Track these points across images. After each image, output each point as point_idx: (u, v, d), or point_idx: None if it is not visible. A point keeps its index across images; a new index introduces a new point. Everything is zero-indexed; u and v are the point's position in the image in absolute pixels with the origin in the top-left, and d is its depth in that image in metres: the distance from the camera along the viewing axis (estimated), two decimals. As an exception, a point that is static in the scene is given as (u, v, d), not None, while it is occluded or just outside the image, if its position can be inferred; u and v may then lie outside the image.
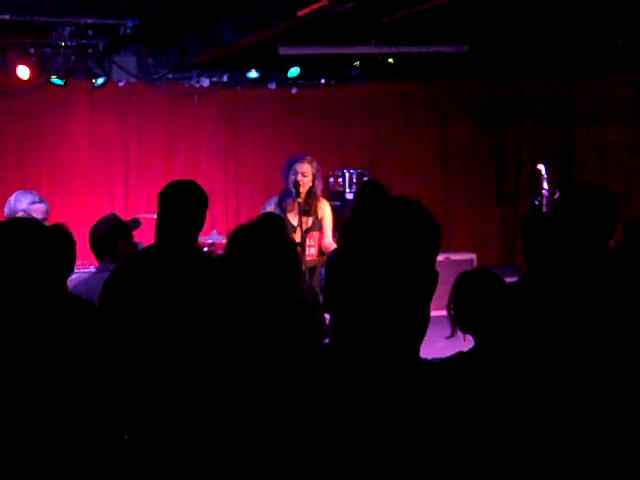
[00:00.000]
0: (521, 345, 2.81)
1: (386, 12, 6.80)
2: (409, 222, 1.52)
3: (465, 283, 2.87)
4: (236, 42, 7.19)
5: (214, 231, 7.14)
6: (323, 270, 5.64)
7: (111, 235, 4.25)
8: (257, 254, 2.08)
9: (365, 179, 8.25)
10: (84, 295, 3.66)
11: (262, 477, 1.56)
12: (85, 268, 6.39)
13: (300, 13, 6.08)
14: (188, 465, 1.86)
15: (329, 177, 8.38)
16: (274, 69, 8.82)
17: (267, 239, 2.13)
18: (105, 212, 5.02)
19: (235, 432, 1.71)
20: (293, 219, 5.76)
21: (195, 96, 8.87)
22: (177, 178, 3.55)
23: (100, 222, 4.36)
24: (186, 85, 8.92)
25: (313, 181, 5.85)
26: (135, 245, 4.49)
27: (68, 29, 7.46)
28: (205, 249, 6.80)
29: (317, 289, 5.57)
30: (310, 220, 5.87)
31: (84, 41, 7.64)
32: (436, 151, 9.45)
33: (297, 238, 5.55)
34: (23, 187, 5.07)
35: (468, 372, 1.58)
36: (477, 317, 2.80)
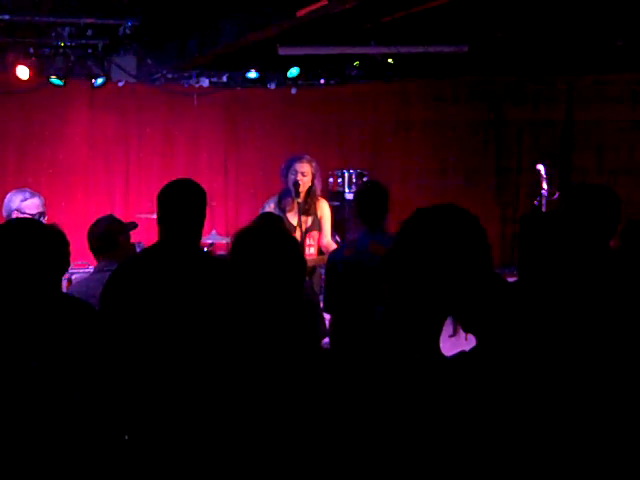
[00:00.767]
0: (523, 344, 2.81)
1: (386, 12, 6.80)
2: (464, 235, 1.56)
3: (474, 288, 2.86)
4: (236, 42, 7.20)
5: (214, 231, 7.14)
6: (323, 270, 5.64)
7: (112, 231, 4.27)
8: (263, 255, 2.08)
9: (365, 179, 8.25)
10: (83, 295, 3.67)
11: (267, 476, 1.56)
12: (85, 268, 6.39)
13: (300, 13, 6.08)
14: (189, 464, 1.86)
15: (329, 177, 8.38)
16: (274, 69, 8.82)
17: (272, 240, 2.13)
18: (105, 212, 5.02)
19: (240, 432, 1.71)
20: (292, 219, 5.76)
21: (195, 96, 8.86)
22: (177, 178, 3.54)
23: (99, 221, 4.37)
24: (186, 85, 8.92)
25: (312, 181, 5.85)
26: (133, 244, 4.50)
27: (68, 29, 7.47)
28: (205, 249, 6.80)
29: (317, 289, 5.57)
30: (309, 220, 5.87)
31: (84, 41, 7.64)
32: (436, 151, 9.45)
33: (297, 238, 5.56)
34: (21, 187, 5.05)
35: (471, 371, 1.58)
36: (479, 316, 2.80)
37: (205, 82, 8.92)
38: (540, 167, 7.57)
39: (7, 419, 2.57)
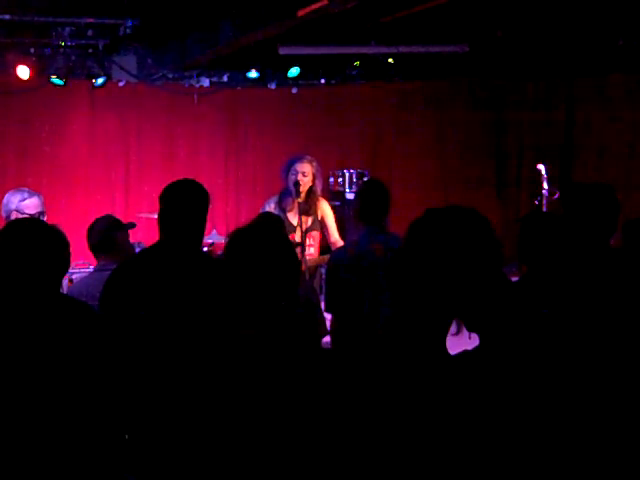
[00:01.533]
0: (526, 343, 2.81)
1: (386, 12, 6.80)
2: (474, 236, 1.56)
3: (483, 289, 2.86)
4: (236, 42, 7.19)
5: (214, 231, 7.15)
6: (323, 270, 5.64)
7: (111, 230, 4.28)
8: (255, 255, 2.08)
9: (365, 179, 8.25)
10: (83, 293, 3.67)
11: (268, 476, 1.56)
12: (85, 268, 6.40)
13: (300, 13, 6.08)
14: (189, 464, 1.86)
15: (329, 177, 8.38)
16: (274, 69, 8.82)
17: (265, 240, 2.13)
18: (105, 212, 5.02)
19: (240, 432, 1.71)
20: (293, 219, 5.76)
21: (195, 96, 8.87)
22: (177, 178, 3.54)
23: (97, 220, 4.38)
24: (186, 85, 8.92)
25: (313, 181, 5.85)
26: (132, 244, 4.51)
27: (68, 29, 7.46)
28: (205, 249, 6.80)
29: (317, 289, 5.57)
30: (310, 220, 5.88)
31: (84, 41, 7.64)
32: (436, 151, 9.45)
33: (297, 238, 5.56)
34: (22, 187, 5.04)
35: (474, 371, 1.58)
36: (482, 315, 2.80)
37: (205, 82, 8.92)
38: (541, 167, 7.57)
39: (7, 420, 2.57)
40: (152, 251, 3.46)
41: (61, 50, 7.72)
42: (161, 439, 2.28)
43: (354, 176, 8.41)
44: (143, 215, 7.19)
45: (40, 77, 7.89)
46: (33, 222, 3.03)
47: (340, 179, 8.46)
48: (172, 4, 6.76)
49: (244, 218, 8.14)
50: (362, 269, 4.27)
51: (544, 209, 7.39)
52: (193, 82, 8.91)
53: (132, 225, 4.61)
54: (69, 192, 8.36)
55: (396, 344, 1.56)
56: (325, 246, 6.11)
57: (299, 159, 5.87)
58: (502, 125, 9.54)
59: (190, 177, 3.57)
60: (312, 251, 5.91)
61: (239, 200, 9.09)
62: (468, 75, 9.16)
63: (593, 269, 3.06)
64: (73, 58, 7.92)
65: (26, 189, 4.86)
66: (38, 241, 2.76)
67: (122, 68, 8.41)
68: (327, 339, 4.33)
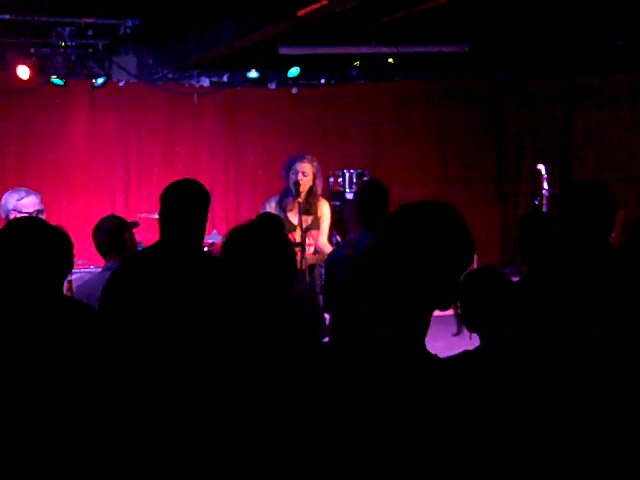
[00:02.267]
0: (527, 343, 2.81)
1: (386, 12, 6.80)
2: (448, 232, 1.56)
3: (472, 281, 2.87)
4: (236, 42, 7.19)
5: (214, 231, 7.14)
6: (322, 270, 5.64)
7: (119, 228, 4.28)
8: (251, 253, 2.08)
9: (365, 179, 8.25)
10: (91, 294, 3.66)
11: (264, 477, 1.56)
12: (85, 268, 6.39)
13: (300, 13, 6.08)
14: (188, 465, 1.86)
15: (329, 177, 8.38)
16: (274, 69, 8.82)
17: (260, 238, 2.13)
18: (105, 212, 5.02)
19: (237, 431, 1.71)
20: (293, 218, 5.75)
21: (195, 96, 8.87)
22: (177, 178, 3.53)
23: (104, 219, 4.38)
24: (186, 85, 8.92)
25: (313, 180, 5.85)
26: (137, 243, 4.51)
27: (68, 29, 7.46)
28: (205, 249, 6.80)
29: (317, 289, 5.56)
30: (310, 219, 5.87)
31: (84, 41, 7.64)
32: (436, 151, 9.45)
33: (297, 237, 5.55)
34: (22, 187, 5.04)
35: (474, 370, 1.58)
36: (483, 315, 2.80)
37: (206, 82, 8.92)
38: (540, 167, 7.58)
39: (6, 421, 2.57)
40: (152, 251, 3.46)
41: (61, 50, 7.72)
42: (160, 439, 2.28)
43: (354, 176, 8.41)
44: (143, 215, 7.19)
45: (40, 77, 7.89)
46: (36, 222, 3.01)
47: (340, 179, 8.46)
48: (172, 4, 6.76)
49: (244, 218, 8.11)
50: (359, 269, 4.26)
51: (544, 209, 7.40)
52: (193, 82, 8.91)
53: (136, 224, 4.62)
54: (69, 192, 8.36)
55: (372, 343, 1.56)
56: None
57: (300, 159, 5.86)
58: (502, 125, 9.55)
59: (190, 177, 3.57)
60: (311, 250, 5.91)
61: (239, 200, 9.09)
62: (468, 75, 9.16)
63: (593, 267, 3.06)
64: (73, 58, 7.93)
65: (23, 188, 4.84)
66: (42, 241, 2.76)
67: (122, 68, 8.41)
68: (327, 339, 4.33)
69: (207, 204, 3.42)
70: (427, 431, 1.45)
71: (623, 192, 7.56)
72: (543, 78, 9.13)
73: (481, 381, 1.53)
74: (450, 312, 2.62)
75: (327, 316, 4.44)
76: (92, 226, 4.40)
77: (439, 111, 9.40)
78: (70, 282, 4.84)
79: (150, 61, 8.60)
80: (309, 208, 5.81)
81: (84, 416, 2.66)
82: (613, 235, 3.23)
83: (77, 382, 2.66)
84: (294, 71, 8.57)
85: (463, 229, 1.59)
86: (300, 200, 5.63)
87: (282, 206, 5.82)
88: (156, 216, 3.48)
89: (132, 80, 8.56)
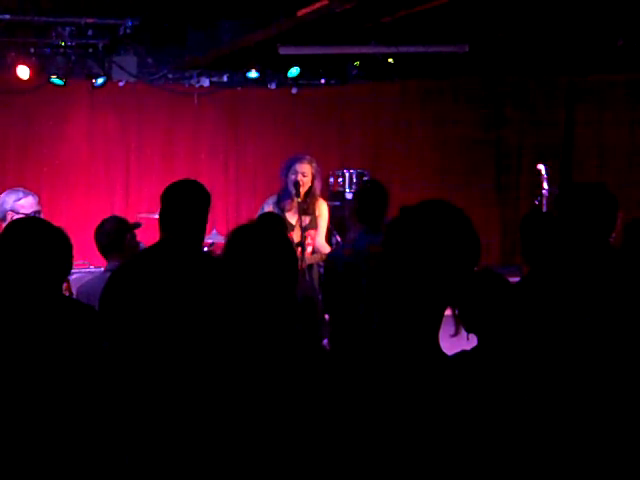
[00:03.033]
0: (524, 344, 2.81)
1: (386, 12, 6.80)
2: (453, 230, 1.56)
3: (469, 282, 2.86)
4: (236, 42, 7.20)
5: (214, 231, 7.13)
6: (320, 269, 5.64)
7: (120, 230, 4.29)
8: (252, 253, 2.08)
9: (365, 179, 8.24)
10: (92, 296, 3.66)
11: (266, 478, 1.56)
12: (85, 268, 6.40)
13: (300, 13, 6.09)
14: (189, 467, 1.86)
15: (329, 177, 8.37)
16: (274, 69, 8.82)
17: (263, 238, 2.13)
18: (105, 212, 5.04)
19: (240, 432, 1.71)
20: (292, 218, 5.76)
21: (195, 96, 8.87)
22: (177, 178, 3.53)
23: (105, 221, 4.38)
24: (186, 85, 8.92)
25: (312, 181, 5.85)
26: (138, 244, 4.51)
27: (68, 29, 7.47)
28: (205, 249, 6.80)
29: (317, 289, 5.56)
30: (308, 219, 5.87)
31: (84, 41, 7.64)
32: (436, 151, 9.45)
33: (296, 237, 5.56)
34: (23, 187, 5.03)
35: (471, 371, 1.58)
36: (481, 316, 2.80)
37: (206, 82, 8.92)
38: (541, 167, 7.57)
39: (5, 421, 2.57)
40: (153, 251, 3.46)
41: (61, 50, 7.72)
42: (159, 439, 2.28)
43: (354, 176, 8.40)
44: (143, 215, 7.18)
45: (40, 77, 7.89)
46: (38, 222, 3.01)
47: (340, 179, 8.45)
48: (172, 4, 6.76)
49: (244, 218, 8.13)
50: (358, 269, 4.26)
51: (544, 209, 7.40)
52: (193, 82, 8.91)
53: (138, 225, 4.62)
54: (69, 192, 8.36)
55: (387, 346, 1.56)
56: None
57: (299, 159, 5.86)
58: (502, 125, 9.54)
59: (190, 177, 3.57)
60: (310, 250, 5.91)
61: (239, 200, 9.08)
62: (468, 75, 9.16)
63: (593, 268, 3.06)
64: (73, 58, 7.92)
65: (21, 189, 4.82)
66: (44, 241, 2.76)
67: (122, 68, 8.41)
68: (326, 340, 4.33)
69: (207, 204, 3.42)
70: (439, 430, 1.45)
71: (623, 192, 7.58)
72: (543, 78, 9.13)
73: (477, 381, 1.53)
74: (448, 312, 2.62)
75: (326, 316, 4.44)
76: (92, 226, 4.40)
77: (439, 111, 9.39)
78: (68, 281, 4.84)
79: (150, 61, 8.59)
80: (307, 208, 5.81)
81: (83, 416, 2.66)
82: (613, 235, 3.22)
83: (76, 381, 2.66)
84: (294, 71, 8.56)
85: (467, 224, 1.59)
86: (299, 200, 5.63)
87: (280, 206, 5.82)
88: (156, 216, 3.48)
89: (132, 80, 8.56)
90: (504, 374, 2.42)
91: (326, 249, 5.75)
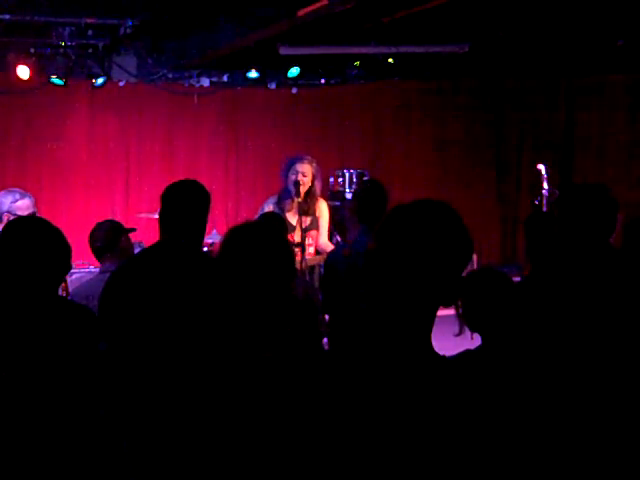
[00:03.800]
0: (528, 343, 2.82)
1: (386, 12, 6.79)
2: (445, 229, 1.56)
3: (473, 281, 2.87)
4: (236, 42, 7.19)
5: (214, 231, 7.14)
6: (322, 270, 5.64)
7: (114, 232, 4.30)
8: (246, 252, 2.08)
9: (365, 179, 8.24)
10: (89, 295, 3.66)
11: (265, 477, 1.56)
12: (85, 268, 6.40)
13: (300, 13, 6.08)
14: (188, 468, 1.86)
15: (329, 177, 8.38)
16: (274, 69, 8.82)
17: (257, 238, 2.13)
18: (105, 212, 5.05)
19: (238, 433, 1.71)
20: (292, 219, 5.76)
21: (195, 96, 8.87)
22: (177, 178, 3.54)
23: (100, 224, 4.40)
24: (186, 85, 8.92)
25: (313, 181, 5.85)
26: (133, 245, 4.53)
27: (68, 29, 7.45)
28: (205, 249, 6.80)
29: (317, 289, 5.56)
30: (309, 219, 5.88)
31: (84, 41, 7.63)
32: (436, 151, 9.45)
33: (296, 238, 5.56)
34: (23, 187, 5.02)
35: (475, 370, 1.58)
36: (485, 315, 2.81)
37: (206, 82, 8.92)
38: (541, 167, 7.58)
39: (5, 422, 2.57)
40: (153, 251, 3.46)
41: (61, 50, 7.71)
42: (158, 439, 2.29)
43: (354, 176, 8.40)
44: (143, 215, 7.19)
45: (40, 77, 7.89)
46: (37, 222, 3.01)
47: (340, 179, 8.45)
48: (172, 4, 6.75)
49: (244, 218, 8.13)
50: (357, 269, 4.26)
51: (544, 209, 7.40)
52: (193, 82, 8.91)
53: (132, 230, 4.64)
54: (69, 192, 8.36)
55: (378, 344, 1.55)
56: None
57: (299, 159, 5.87)
58: (502, 125, 9.55)
59: (190, 177, 3.58)
60: (311, 250, 5.92)
61: (239, 200, 9.09)
62: (468, 75, 9.16)
63: (594, 268, 3.06)
64: (73, 58, 7.91)
65: (17, 190, 4.82)
66: (43, 241, 2.75)
67: (122, 68, 8.41)
68: (325, 340, 4.33)
69: (207, 204, 3.43)
70: (435, 431, 1.45)
71: (623, 192, 7.58)
72: (543, 78, 9.13)
73: (481, 380, 1.52)
74: (452, 312, 2.63)
75: (326, 316, 4.44)
76: (92, 226, 4.41)
77: (439, 111, 9.40)
78: (65, 281, 4.85)
79: (150, 61, 8.59)
80: (307, 209, 5.82)
81: (83, 415, 2.65)
82: (613, 236, 3.23)
83: (70, 382, 2.66)
84: (294, 71, 8.56)
85: (459, 223, 1.59)
86: (299, 200, 5.64)
87: (281, 206, 5.83)
88: (156, 216, 3.48)
89: (132, 80, 8.56)
90: (508, 373, 2.42)
91: (330, 248, 5.75)
